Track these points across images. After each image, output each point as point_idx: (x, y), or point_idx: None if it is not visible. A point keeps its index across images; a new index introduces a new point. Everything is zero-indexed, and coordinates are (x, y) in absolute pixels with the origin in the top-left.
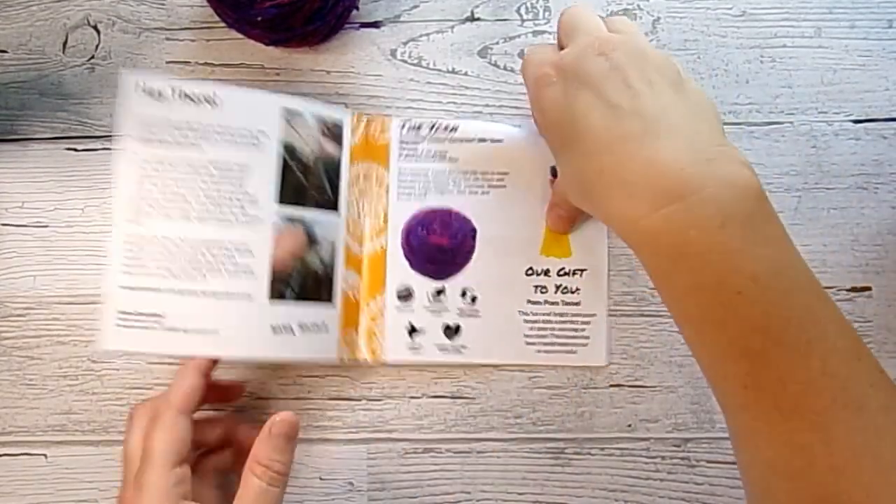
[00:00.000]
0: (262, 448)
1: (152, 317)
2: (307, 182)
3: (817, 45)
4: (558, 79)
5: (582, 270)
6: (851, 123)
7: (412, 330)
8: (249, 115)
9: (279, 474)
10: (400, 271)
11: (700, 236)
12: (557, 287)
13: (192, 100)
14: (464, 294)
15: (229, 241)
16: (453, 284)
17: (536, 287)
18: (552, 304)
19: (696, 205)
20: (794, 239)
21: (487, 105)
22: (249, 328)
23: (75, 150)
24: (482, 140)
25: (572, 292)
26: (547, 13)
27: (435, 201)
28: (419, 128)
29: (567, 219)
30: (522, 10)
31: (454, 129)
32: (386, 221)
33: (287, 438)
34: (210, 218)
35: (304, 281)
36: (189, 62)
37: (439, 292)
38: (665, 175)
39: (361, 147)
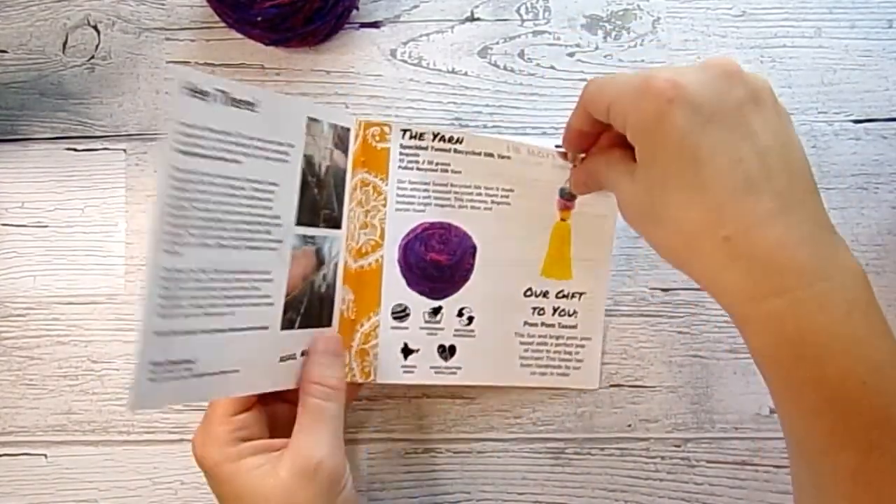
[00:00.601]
0: (312, 368)
1: (183, 364)
2: (320, 198)
3: (817, 45)
4: (678, 100)
5: (581, 294)
6: (851, 123)
7: (406, 350)
8: (281, 126)
9: (333, 389)
10: (396, 288)
11: (828, 324)
12: (555, 309)
13: (235, 104)
14: (460, 313)
15: (255, 269)
16: (450, 303)
17: (534, 308)
18: (549, 326)
19: (825, 292)
20: None
21: (487, 105)
22: (264, 362)
23: (75, 150)
24: (489, 155)
25: (570, 315)
26: (547, 13)
27: (435, 215)
28: (422, 136)
29: (594, 187)
30: (522, 10)
31: (459, 140)
32: (383, 235)
33: (333, 354)
34: (241, 244)
35: (309, 305)
36: (189, 62)
37: (435, 311)
38: (795, 259)
39: (360, 154)
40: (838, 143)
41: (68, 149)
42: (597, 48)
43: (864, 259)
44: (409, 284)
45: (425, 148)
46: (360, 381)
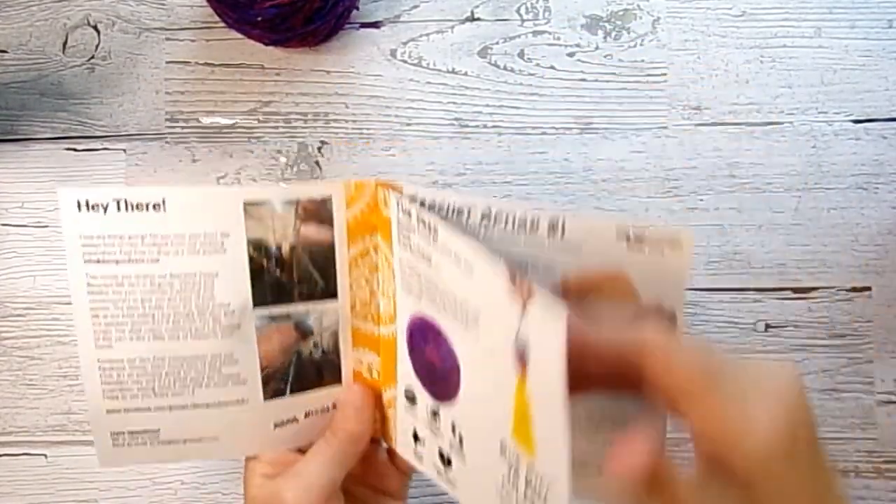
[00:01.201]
0: (335, 415)
1: (147, 433)
2: (287, 277)
3: (817, 45)
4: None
5: (543, 477)
6: (851, 123)
7: (416, 437)
8: (208, 217)
9: (339, 439)
10: (406, 370)
11: None
12: (528, 484)
13: (139, 209)
14: (453, 429)
15: (210, 355)
16: (446, 411)
17: (510, 470)
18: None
19: None
20: (794, 239)
21: (487, 105)
22: (250, 428)
23: (75, 150)
24: (457, 260)
25: (542, 501)
26: (547, 13)
27: (429, 310)
28: (409, 214)
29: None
30: (522, 10)
31: (435, 230)
32: (395, 310)
33: (354, 408)
34: (183, 334)
35: (301, 372)
36: (189, 62)
37: (435, 413)
38: None
39: (366, 217)
40: (838, 143)
41: (68, 149)
42: (597, 48)
43: (865, 259)
44: (415, 373)
45: (413, 231)
46: (389, 445)
